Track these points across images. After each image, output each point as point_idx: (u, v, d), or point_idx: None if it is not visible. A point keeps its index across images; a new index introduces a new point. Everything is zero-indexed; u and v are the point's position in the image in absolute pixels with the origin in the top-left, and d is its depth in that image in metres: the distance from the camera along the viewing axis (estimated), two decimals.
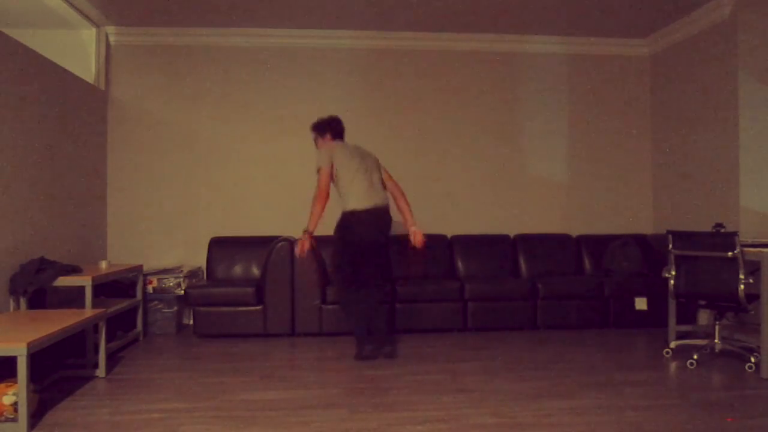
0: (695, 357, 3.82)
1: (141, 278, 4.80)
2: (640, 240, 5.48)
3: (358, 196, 3.97)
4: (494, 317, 4.96)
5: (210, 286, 4.82)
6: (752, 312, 3.72)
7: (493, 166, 5.80)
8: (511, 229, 5.73)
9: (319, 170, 4.06)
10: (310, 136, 4.36)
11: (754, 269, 3.68)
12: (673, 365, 3.92)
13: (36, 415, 2.91)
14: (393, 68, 5.71)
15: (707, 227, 4.43)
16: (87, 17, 5.05)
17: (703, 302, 4.00)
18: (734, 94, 4.67)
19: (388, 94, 5.70)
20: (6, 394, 2.78)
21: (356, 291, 4.04)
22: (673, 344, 4.18)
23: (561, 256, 5.52)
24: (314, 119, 4.34)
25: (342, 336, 4.72)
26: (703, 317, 4.78)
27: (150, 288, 4.93)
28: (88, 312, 3.62)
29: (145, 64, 5.51)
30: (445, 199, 5.74)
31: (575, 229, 5.80)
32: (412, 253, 5.19)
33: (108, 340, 3.82)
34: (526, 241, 5.58)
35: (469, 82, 5.78)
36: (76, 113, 4.80)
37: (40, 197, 4.18)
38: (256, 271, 5.21)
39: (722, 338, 4.01)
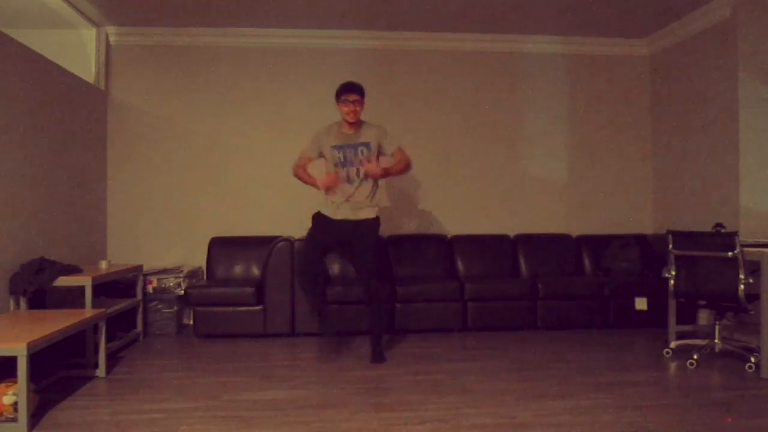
0: (695, 357, 3.82)
1: (141, 278, 4.80)
2: (640, 240, 5.48)
3: None
4: (494, 317, 4.95)
5: (210, 286, 4.82)
6: (752, 312, 3.71)
7: (493, 166, 5.80)
8: (511, 229, 5.72)
9: (400, 149, 3.97)
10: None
11: (754, 269, 3.68)
12: (673, 365, 3.92)
13: (36, 415, 2.91)
14: (393, 68, 5.71)
15: (707, 227, 4.42)
16: (87, 17, 5.05)
17: (703, 302, 4.00)
18: (734, 94, 4.67)
19: (387, 95, 5.69)
20: (6, 394, 2.79)
21: None
22: (673, 344, 4.18)
23: (561, 256, 5.51)
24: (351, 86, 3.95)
25: (342, 336, 4.71)
26: (703, 317, 4.77)
27: (150, 288, 4.93)
28: (88, 312, 3.63)
29: (145, 64, 5.51)
30: (445, 199, 5.74)
31: (575, 229, 5.80)
32: None
33: (108, 340, 3.82)
34: (526, 241, 5.58)
35: (469, 82, 5.78)
36: (76, 113, 4.80)
37: (40, 197, 4.18)
38: (256, 271, 5.20)
39: (722, 338, 4.01)
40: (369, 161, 3.86)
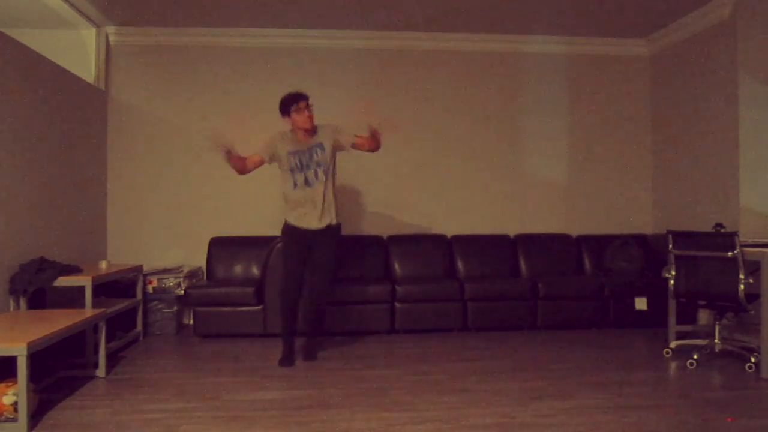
0: (695, 357, 3.82)
1: (141, 278, 4.80)
2: (640, 240, 5.48)
3: None
4: (494, 317, 4.95)
5: (210, 286, 4.83)
6: (752, 312, 3.71)
7: (493, 165, 5.80)
8: (511, 229, 5.72)
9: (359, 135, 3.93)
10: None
11: (754, 269, 3.68)
12: (673, 365, 3.92)
13: (36, 415, 2.91)
14: (393, 68, 5.71)
15: (707, 227, 4.42)
16: (87, 17, 5.05)
17: (703, 302, 4.00)
18: (734, 94, 4.67)
19: (387, 95, 5.70)
20: (6, 394, 2.79)
21: None
22: (673, 344, 4.18)
23: (561, 256, 5.51)
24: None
25: (342, 336, 4.72)
26: (703, 317, 4.77)
27: (150, 288, 4.93)
28: (88, 312, 3.63)
29: (145, 64, 5.51)
30: (446, 199, 5.73)
31: (575, 229, 5.79)
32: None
33: (108, 340, 3.82)
34: (526, 241, 5.58)
35: (469, 82, 5.78)
36: (76, 113, 4.80)
37: (40, 197, 4.17)
38: (256, 271, 5.20)
39: (722, 338, 4.01)
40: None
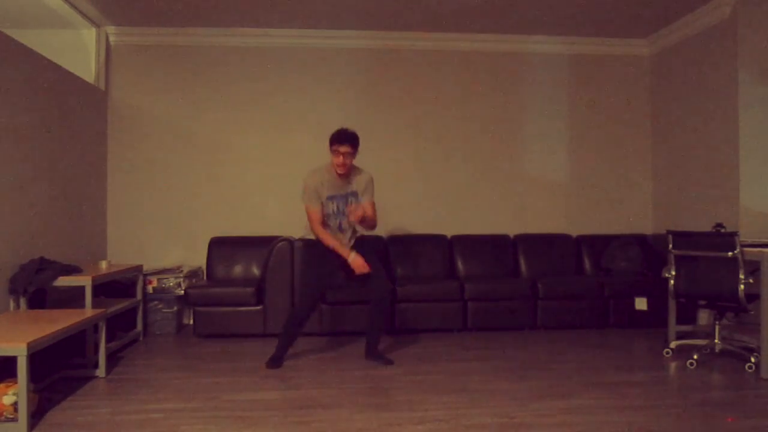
0: (695, 357, 3.82)
1: (141, 278, 4.80)
2: (640, 240, 5.48)
3: None
4: (494, 317, 4.95)
5: (210, 286, 4.83)
6: (752, 312, 3.71)
7: (493, 165, 5.80)
8: (511, 229, 5.72)
9: (372, 204, 3.92)
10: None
11: (754, 269, 3.68)
12: (673, 365, 3.92)
13: (36, 415, 2.91)
14: (393, 68, 5.71)
15: (707, 227, 4.42)
16: (87, 17, 5.05)
17: (703, 302, 4.00)
18: (734, 94, 4.67)
19: (387, 94, 5.70)
20: (6, 394, 2.79)
21: None
22: (673, 344, 4.18)
23: (561, 256, 5.51)
24: (331, 126, 3.89)
25: (342, 336, 4.72)
26: (703, 317, 4.77)
27: (150, 288, 4.93)
28: (88, 312, 3.63)
29: (145, 64, 5.51)
30: (445, 199, 5.74)
31: (575, 229, 5.79)
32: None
33: (108, 340, 3.82)
34: (526, 241, 5.58)
35: (469, 82, 5.78)
36: (76, 113, 4.80)
37: (40, 197, 4.18)
38: (256, 271, 5.20)
39: (722, 338, 4.01)
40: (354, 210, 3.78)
